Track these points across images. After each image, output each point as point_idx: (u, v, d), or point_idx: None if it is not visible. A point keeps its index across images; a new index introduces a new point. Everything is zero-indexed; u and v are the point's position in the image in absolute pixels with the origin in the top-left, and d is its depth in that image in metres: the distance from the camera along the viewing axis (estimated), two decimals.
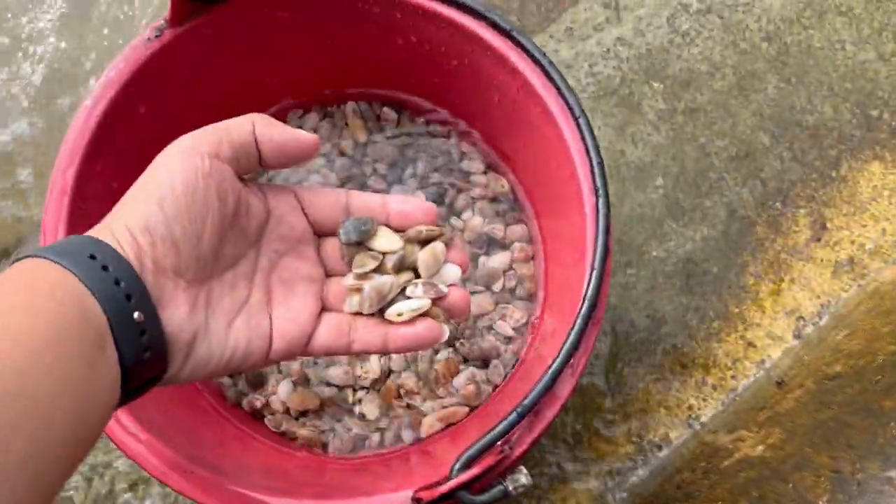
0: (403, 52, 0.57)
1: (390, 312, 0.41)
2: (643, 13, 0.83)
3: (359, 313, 0.41)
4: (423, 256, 0.42)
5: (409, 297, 0.42)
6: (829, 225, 0.76)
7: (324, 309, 0.41)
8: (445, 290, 0.42)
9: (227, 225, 0.37)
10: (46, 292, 0.30)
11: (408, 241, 0.42)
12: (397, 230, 0.43)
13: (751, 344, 0.73)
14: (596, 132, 0.75)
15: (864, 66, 0.81)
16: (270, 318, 0.39)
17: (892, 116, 0.80)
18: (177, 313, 0.35)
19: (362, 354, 0.43)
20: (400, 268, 0.42)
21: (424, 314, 0.41)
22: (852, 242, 0.76)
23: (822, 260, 0.75)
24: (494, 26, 0.51)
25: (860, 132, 0.79)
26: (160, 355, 0.34)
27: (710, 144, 0.78)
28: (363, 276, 0.41)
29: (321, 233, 0.43)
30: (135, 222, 0.34)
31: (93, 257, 0.32)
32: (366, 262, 0.41)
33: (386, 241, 0.42)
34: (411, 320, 0.41)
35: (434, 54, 0.56)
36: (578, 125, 0.50)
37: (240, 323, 0.38)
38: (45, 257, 0.32)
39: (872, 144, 0.79)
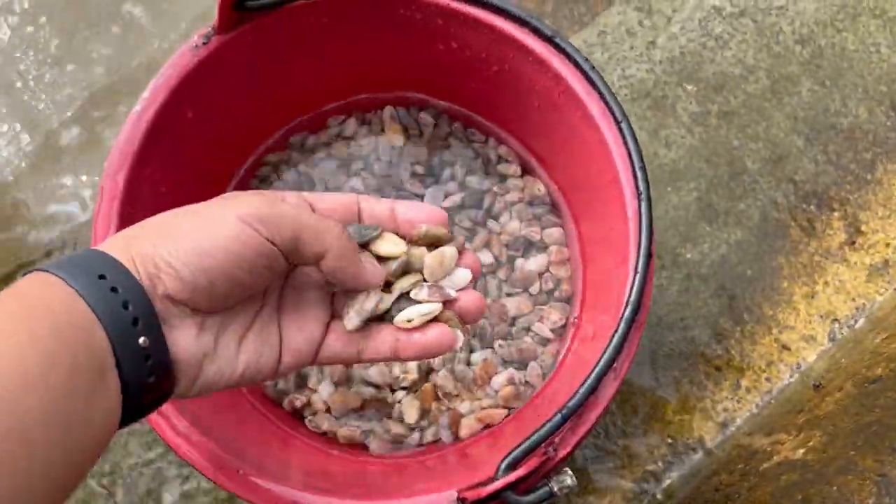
0: (443, 58, 0.58)
1: (399, 319, 0.40)
2: (676, 17, 0.83)
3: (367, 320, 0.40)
4: (429, 260, 0.41)
5: (417, 302, 0.40)
6: (863, 228, 0.76)
7: (333, 316, 0.40)
8: (453, 293, 0.41)
9: (254, 286, 0.36)
10: (47, 314, 0.29)
11: (413, 243, 0.41)
12: (405, 237, 0.41)
13: (785, 346, 0.73)
14: None
15: None
16: (280, 330, 0.38)
17: None
18: (184, 336, 0.34)
19: (373, 362, 0.42)
20: (405, 273, 0.41)
21: (436, 319, 0.40)
22: (887, 245, 0.75)
23: (856, 263, 0.75)
24: (536, 32, 0.52)
25: (895, 135, 0.79)
26: (166, 378, 0.33)
27: (744, 147, 0.78)
28: None
29: None
30: (165, 253, 0.33)
31: (102, 277, 0.31)
32: None
33: (391, 245, 0.40)
34: (422, 326, 0.40)
35: (474, 60, 0.57)
36: (620, 129, 0.50)
37: (250, 339, 0.37)
38: (53, 273, 0.31)
39: None
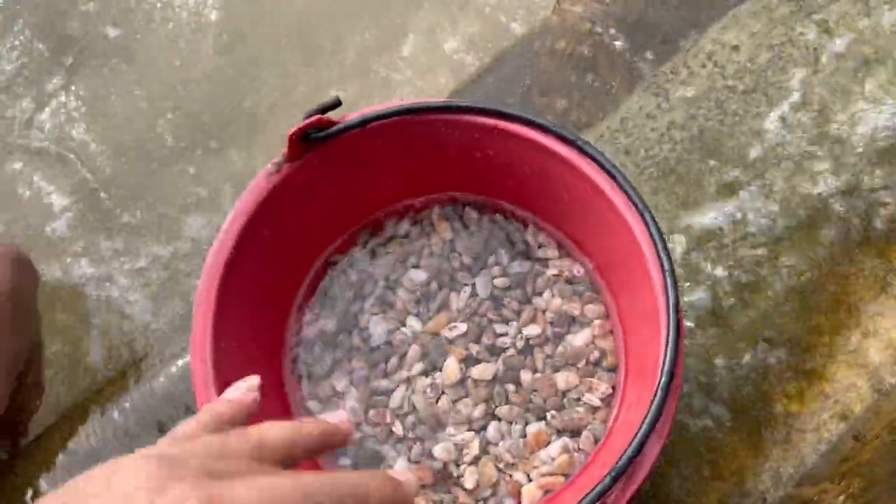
0: (481, 163, 0.66)
1: None
2: (692, 96, 0.90)
3: None
4: None
5: None
6: None
7: None
8: None
9: None
10: None
11: None
12: None
13: (831, 398, 0.76)
14: (659, 209, 0.82)
15: None
16: None
17: None
18: None
19: None
20: None
21: None
22: None
23: None
24: (562, 139, 0.59)
25: None
26: None
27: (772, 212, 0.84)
28: None
29: None
30: None
31: None
32: None
33: None
34: None
35: (509, 164, 0.65)
36: (643, 217, 0.57)
37: None
38: None
39: None
